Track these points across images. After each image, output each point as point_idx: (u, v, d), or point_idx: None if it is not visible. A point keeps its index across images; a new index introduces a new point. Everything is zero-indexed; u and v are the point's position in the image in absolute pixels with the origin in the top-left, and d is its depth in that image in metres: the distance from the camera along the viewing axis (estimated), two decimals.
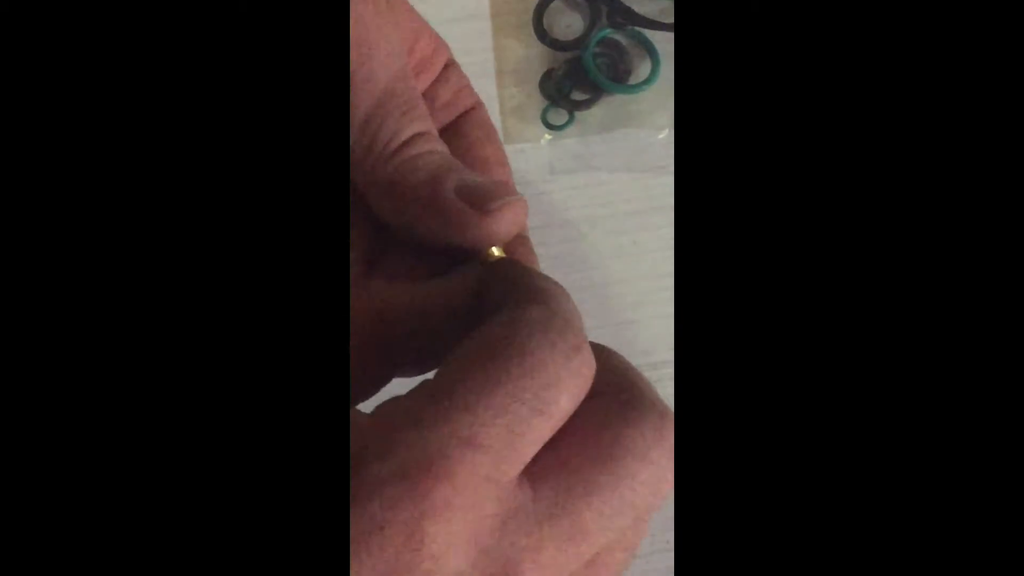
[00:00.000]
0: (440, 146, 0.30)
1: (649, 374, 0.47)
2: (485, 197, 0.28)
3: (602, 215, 0.48)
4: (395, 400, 0.23)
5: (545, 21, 0.49)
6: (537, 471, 0.23)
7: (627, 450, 0.24)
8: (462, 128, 0.34)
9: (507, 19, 0.50)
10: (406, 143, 0.29)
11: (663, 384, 0.47)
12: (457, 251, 0.29)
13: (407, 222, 0.29)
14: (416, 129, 0.30)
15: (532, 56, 0.50)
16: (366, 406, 0.25)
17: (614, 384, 0.25)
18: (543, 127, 0.49)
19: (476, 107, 0.35)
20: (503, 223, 0.28)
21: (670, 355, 0.48)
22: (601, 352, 0.26)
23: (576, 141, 0.49)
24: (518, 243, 0.32)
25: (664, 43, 0.49)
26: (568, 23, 0.50)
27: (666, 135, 0.49)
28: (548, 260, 0.47)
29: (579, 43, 0.49)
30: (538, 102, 0.49)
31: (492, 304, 0.26)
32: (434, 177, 0.29)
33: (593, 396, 0.24)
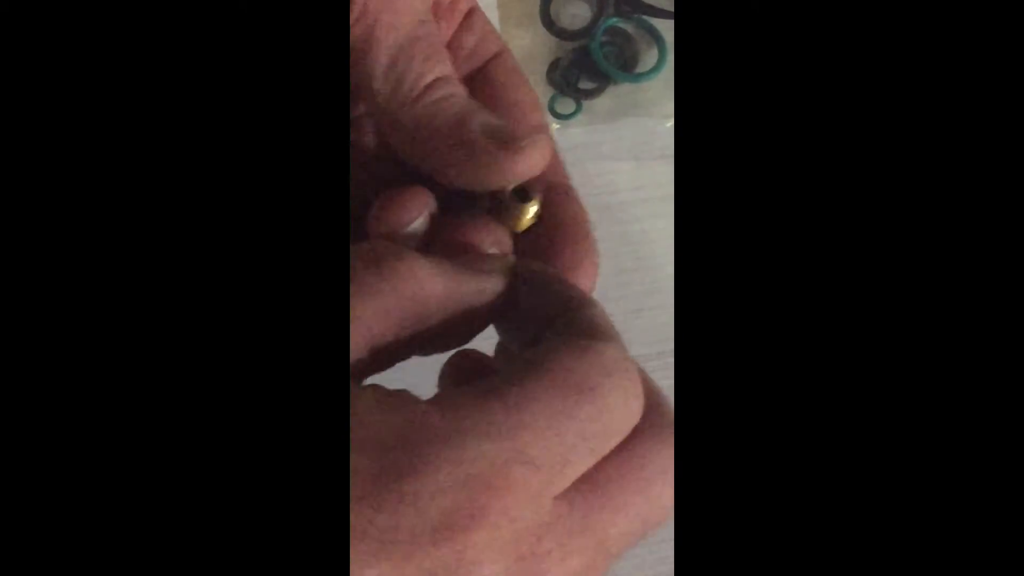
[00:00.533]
0: (463, 90, 0.31)
1: (658, 363, 0.47)
2: (511, 135, 0.29)
3: (610, 204, 0.48)
4: (458, 393, 0.24)
5: (552, 10, 0.49)
6: (571, 487, 0.24)
7: (656, 475, 0.25)
8: (490, 74, 0.34)
9: (514, 8, 0.50)
10: (429, 86, 0.29)
11: (663, 375, 0.47)
12: (483, 196, 0.30)
13: (434, 165, 0.29)
14: (439, 73, 0.30)
15: (539, 45, 0.50)
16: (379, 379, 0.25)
17: (645, 408, 0.26)
18: (550, 116, 0.49)
19: (502, 52, 0.35)
20: (529, 160, 0.29)
21: (670, 345, 0.48)
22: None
23: (583, 130, 0.49)
24: (562, 196, 0.32)
25: (670, 31, 0.49)
26: (575, 12, 0.50)
27: (673, 123, 0.49)
28: None
29: (586, 32, 0.49)
30: (545, 91, 0.49)
31: (535, 309, 0.27)
32: (459, 118, 0.29)
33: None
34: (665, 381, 0.45)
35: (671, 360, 0.47)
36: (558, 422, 0.23)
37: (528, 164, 0.29)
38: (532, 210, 0.30)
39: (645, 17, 0.49)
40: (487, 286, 0.28)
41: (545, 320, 0.27)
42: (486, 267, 0.28)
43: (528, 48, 0.49)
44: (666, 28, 0.49)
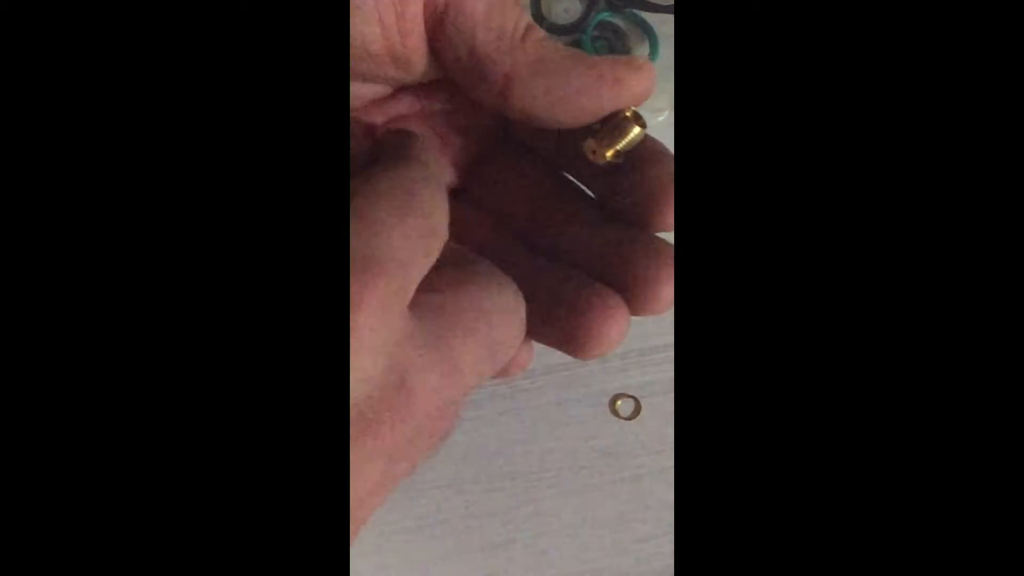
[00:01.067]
0: None
1: (648, 358, 0.47)
2: (625, 60, 0.31)
3: None
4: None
5: (543, 4, 0.49)
6: (415, 308, 0.25)
7: (492, 304, 0.27)
8: None
9: None
10: (529, 27, 0.31)
11: (663, 368, 0.47)
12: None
13: (560, 96, 0.30)
14: (528, 19, 0.31)
15: None
16: None
17: (460, 259, 0.29)
18: None
19: None
20: (651, 76, 0.31)
21: (670, 338, 0.48)
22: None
23: None
24: (649, 144, 0.33)
25: (662, 25, 0.49)
26: (566, 6, 0.50)
27: (665, 117, 0.49)
28: None
29: (577, 26, 0.49)
30: None
31: None
32: (571, 51, 0.31)
33: (442, 265, 0.27)
34: (661, 375, 0.45)
35: (663, 355, 0.47)
36: (383, 224, 0.24)
37: (649, 81, 0.31)
38: (641, 131, 0.31)
39: (636, 11, 0.49)
40: None
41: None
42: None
43: None
44: (657, 22, 0.49)
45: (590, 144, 0.30)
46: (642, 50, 0.49)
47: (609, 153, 0.30)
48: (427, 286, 0.26)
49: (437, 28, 0.30)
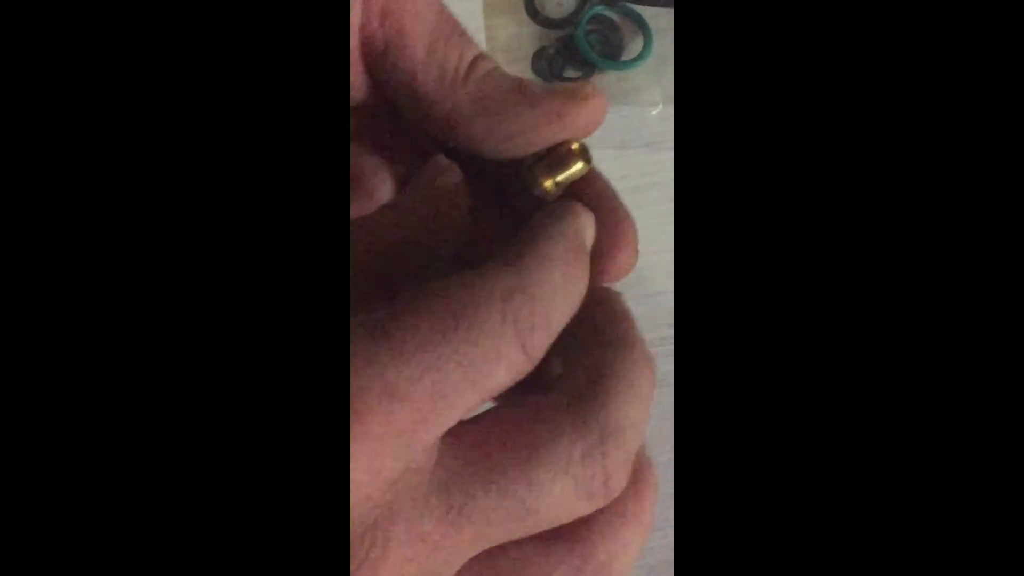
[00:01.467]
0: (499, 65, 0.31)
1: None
2: (571, 91, 0.29)
3: None
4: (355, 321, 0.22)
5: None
6: (451, 440, 0.22)
7: (549, 458, 0.23)
8: None
9: None
10: (473, 64, 0.29)
11: (660, 360, 0.47)
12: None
13: (498, 136, 0.29)
14: (476, 51, 0.30)
15: (524, 34, 0.49)
16: None
17: (575, 388, 0.24)
18: None
19: None
20: (596, 109, 0.29)
21: (667, 331, 0.48)
22: (589, 346, 0.26)
23: None
24: (592, 180, 0.31)
25: (656, 19, 0.49)
26: (559, 1, 0.50)
27: (659, 111, 0.49)
28: None
29: (571, 21, 0.49)
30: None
31: None
32: (515, 84, 0.29)
33: (550, 389, 0.24)
34: (660, 368, 0.45)
35: (659, 348, 0.47)
36: (424, 349, 0.21)
37: (598, 112, 0.29)
38: (584, 167, 0.30)
39: (630, 4, 0.49)
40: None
41: None
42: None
43: (513, 37, 0.49)
44: (651, 16, 0.49)
45: (531, 171, 0.29)
46: (636, 44, 0.49)
47: (548, 183, 0.29)
48: (486, 417, 0.23)
49: (377, 65, 0.29)
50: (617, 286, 0.46)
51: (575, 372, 0.25)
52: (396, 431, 0.21)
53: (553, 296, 0.24)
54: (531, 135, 0.29)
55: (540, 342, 0.23)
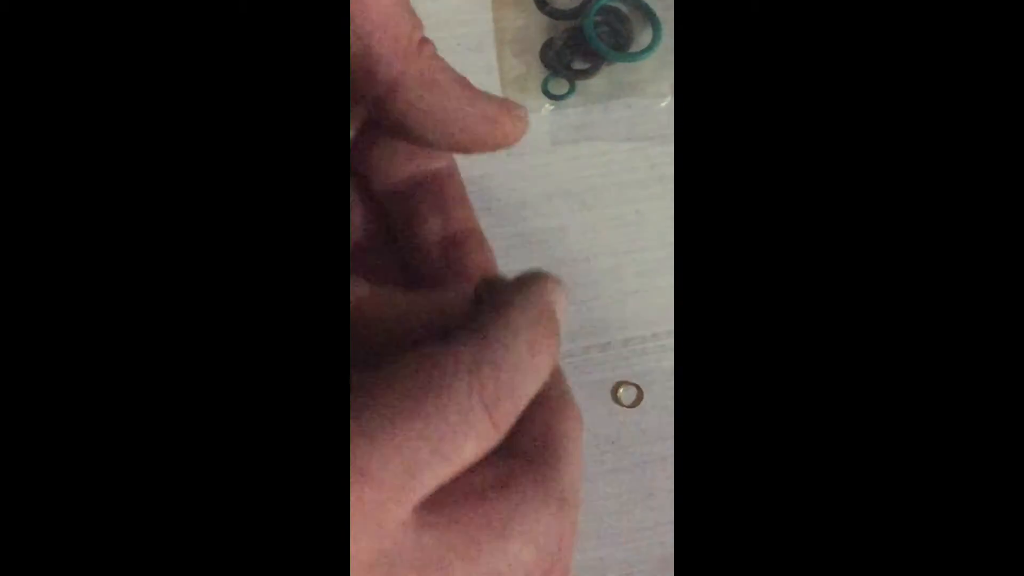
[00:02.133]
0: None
1: (652, 345, 0.47)
2: (508, 104, 0.32)
3: (605, 185, 0.48)
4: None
5: None
6: (424, 517, 0.23)
7: (519, 528, 0.24)
8: None
9: None
10: (424, 42, 0.31)
11: (665, 356, 0.47)
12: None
13: (441, 117, 0.31)
14: (422, 33, 0.31)
15: (532, 26, 0.49)
16: None
17: (531, 452, 0.25)
18: (544, 97, 0.49)
19: None
20: (524, 127, 0.32)
21: (672, 326, 0.47)
22: (535, 410, 0.26)
23: (578, 111, 0.49)
24: (469, 236, 0.33)
25: (665, 10, 0.49)
26: None
27: (668, 103, 0.49)
28: (550, 232, 0.47)
29: (579, 11, 0.49)
30: (539, 72, 0.49)
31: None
32: (464, 79, 0.31)
33: (508, 451, 0.25)
34: (664, 363, 0.45)
35: (666, 342, 0.47)
36: (393, 429, 0.22)
37: (520, 131, 0.31)
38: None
39: None
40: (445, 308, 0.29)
41: None
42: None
43: (521, 28, 0.49)
44: (661, 7, 0.49)
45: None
46: (645, 35, 0.49)
47: None
48: (460, 486, 0.24)
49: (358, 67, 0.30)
50: (629, 280, 0.45)
51: (527, 432, 0.26)
52: (367, 513, 0.21)
53: (518, 366, 0.25)
54: (461, 129, 0.31)
55: (507, 413, 0.24)
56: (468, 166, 0.47)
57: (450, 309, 0.28)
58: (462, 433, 0.23)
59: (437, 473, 0.23)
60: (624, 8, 0.49)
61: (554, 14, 0.49)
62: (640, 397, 0.47)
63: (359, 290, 0.28)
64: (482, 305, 0.28)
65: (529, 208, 0.47)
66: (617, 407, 0.47)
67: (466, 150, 0.31)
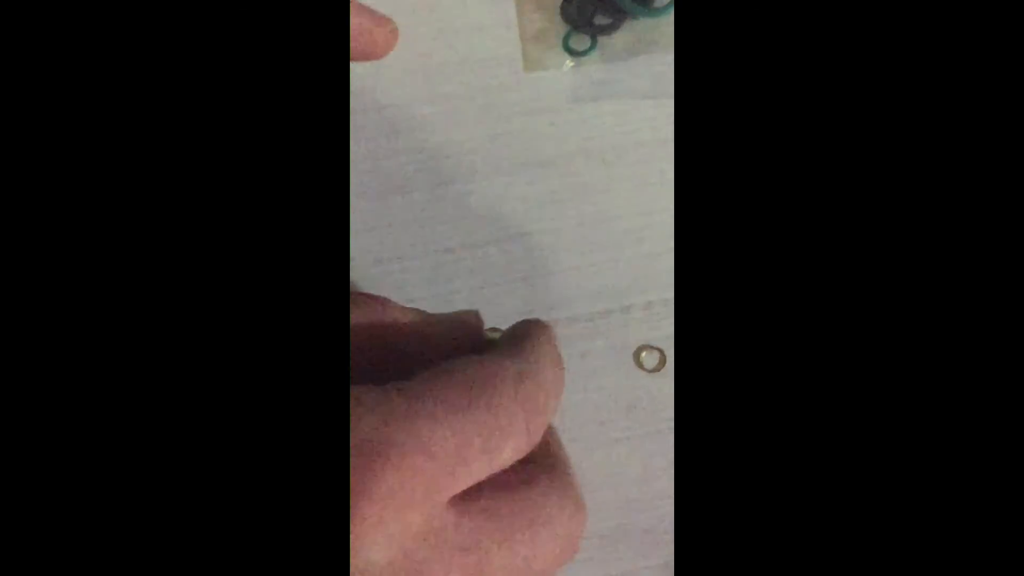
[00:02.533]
0: None
1: (672, 308, 0.46)
2: (380, 18, 0.38)
3: (627, 144, 0.47)
4: (367, 385, 0.25)
5: None
6: (463, 505, 0.25)
7: (545, 522, 0.27)
8: None
9: None
10: None
11: (660, 323, 0.46)
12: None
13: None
14: None
15: None
16: None
17: (547, 461, 0.29)
18: (565, 53, 0.47)
19: None
20: (394, 40, 0.39)
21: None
22: (548, 432, 0.30)
23: (599, 67, 0.48)
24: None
25: None
26: None
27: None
28: (571, 191, 0.46)
29: None
30: (559, 28, 0.48)
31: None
32: None
33: (528, 461, 0.28)
34: (668, 329, 0.44)
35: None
36: (453, 414, 0.24)
37: (392, 43, 0.38)
38: None
39: None
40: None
41: None
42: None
43: None
44: None
45: None
46: None
47: None
48: (491, 483, 0.26)
49: None
50: (650, 244, 0.44)
51: (541, 446, 0.29)
52: (424, 485, 0.24)
53: (550, 388, 0.28)
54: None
55: (540, 426, 0.27)
56: (487, 124, 0.46)
57: (469, 337, 0.31)
58: (507, 434, 0.26)
59: (482, 465, 0.25)
60: None
61: None
62: (663, 362, 0.46)
63: (404, 314, 0.30)
64: (500, 338, 0.31)
65: (549, 167, 0.46)
66: (639, 372, 0.46)
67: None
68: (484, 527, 0.25)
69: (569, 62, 0.48)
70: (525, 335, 0.30)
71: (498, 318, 0.44)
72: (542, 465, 0.28)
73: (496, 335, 0.33)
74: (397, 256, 0.45)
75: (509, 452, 0.26)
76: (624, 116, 0.47)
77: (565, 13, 0.48)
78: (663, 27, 0.48)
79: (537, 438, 0.27)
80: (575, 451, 0.46)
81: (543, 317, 0.45)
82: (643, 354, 0.46)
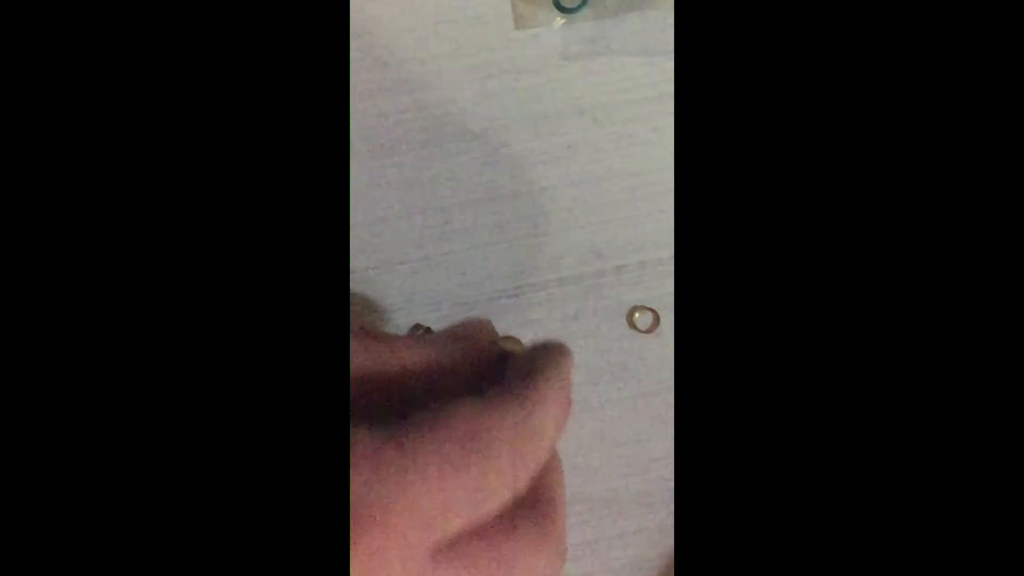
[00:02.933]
0: None
1: (669, 268, 0.45)
2: None
3: (619, 101, 0.46)
4: (363, 429, 0.25)
5: None
6: (442, 555, 0.25)
7: (523, 569, 0.27)
8: None
9: None
10: None
11: (662, 281, 0.46)
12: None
13: None
14: None
15: None
16: None
17: (531, 502, 0.28)
18: (555, 10, 0.47)
19: None
20: None
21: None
22: (545, 472, 0.29)
23: (590, 24, 0.47)
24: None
25: None
26: None
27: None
28: (563, 149, 0.45)
29: None
30: None
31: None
32: None
33: (519, 507, 0.27)
34: (662, 288, 0.43)
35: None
36: (444, 473, 0.24)
37: None
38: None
39: None
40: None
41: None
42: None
43: None
44: None
45: None
46: None
47: None
48: (472, 531, 0.26)
49: None
50: (647, 200, 0.44)
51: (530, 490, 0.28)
52: (408, 540, 0.24)
53: (546, 441, 0.28)
54: None
55: (530, 479, 0.27)
56: (477, 83, 0.45)
57: (477, 361, 0.31)
58: (495, 493, 0.26)
59: (467, 520, 0.25)
60: None
61: None
62: (656, 322, 0.45)
63: (411, 352, 0.30)
64: (507, 362, 0.30)
65: (540, 125, 0.46)
66: (633, 332, 0.45)
67: None
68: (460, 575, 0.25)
69: (560, 19, 0.47)
70: (537, 370, 0.29)
71: (491, 279, 0.44)
72: (527, 506, 0.28)
73: (515, 347, 0.32)
74: (388, 217, 0.45)
75: (495, 506, 0.26)
76: (615, 74, 0.47)
77: None
78: None
79: (525, 489, 0.27)
80: None
81: (535, 279, 0.44)
82: (636, 315, 0.45)
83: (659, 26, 0.47)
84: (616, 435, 0.45)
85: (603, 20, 0.47)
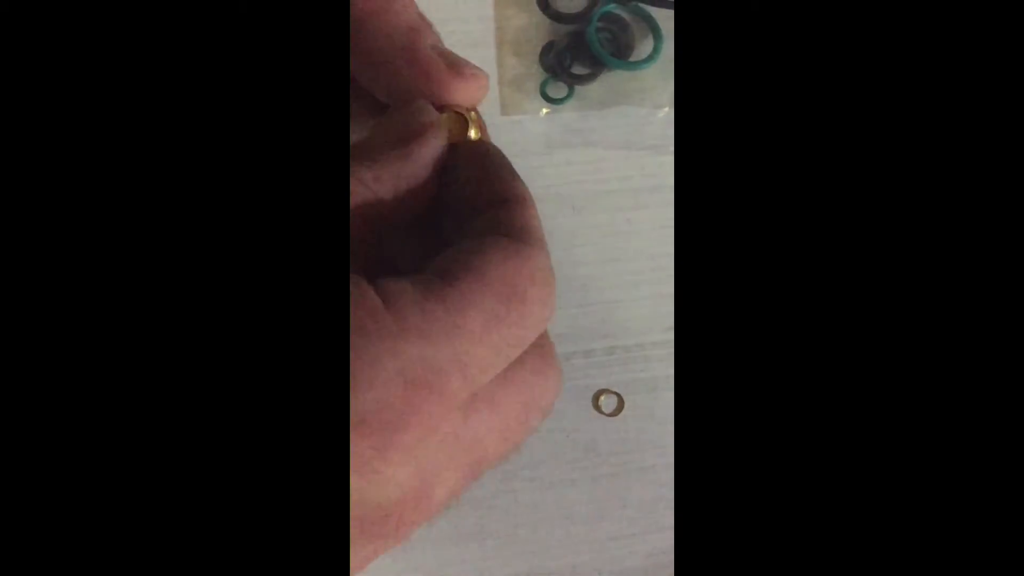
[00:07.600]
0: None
1: (636, 355, 0.47)
2: (458, 62, 0.30)
3: (597, 192, 0.48)
4: (402, 291, 0.24)
5: None
6: (468, 403, 0.24)
7: (535, 397, 0.26)
8: None
9: None
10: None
11: (648, 366, 0.47)
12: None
13: (385, 75, 0.30)
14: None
15: (533, 27, 0.49)
16: None
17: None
18: (541, 100, 0.49)
19: None
20: (478, 86, 0.30)
21: (662, 336, 0.47)
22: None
23: (575, 116, 0.49)
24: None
25: (667, 21, 0.49)
26: None
27: (666, 113, 0.49)
28: None
29: (582, 16, 0.49)
30: (537, 74, 0.49)
31: (471, 193, 0.28)
32: (411, 31, 0.30)
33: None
34: (647, 373, 0.44)
35: (654, 352, 0.47)
36: (491, 328, 0.24)
37: (476, 90, 0.30)
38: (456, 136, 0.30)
39: (642, 5, 0.49)
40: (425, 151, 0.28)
41: (478, 207, 0.28)
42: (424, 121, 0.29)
43: (522, 29, 0.49)
44: (663, 18, 0.49)
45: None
46: (646, 45, 0.49)
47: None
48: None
49: None
50: (617, 288, 0.45)
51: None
52: (458, 401, 0.23)
53: (552, 278, 0.27)
54: (411, 90, 0.30)
55: (550, 315, 0.26)
56: None
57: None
58: (531, 339, 0.25)
59: (502, 367, 0.25)
60: (627, 16, 0.49)
61: (557, 17, 0.49)
62: (621, 406, 0.46)
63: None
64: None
65: None
66: (597, 415, 0.47)
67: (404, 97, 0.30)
68: (486, 422, 0.25)
69: (545, 108, 0.49)
70: (513, 199, 0.29)
71: None
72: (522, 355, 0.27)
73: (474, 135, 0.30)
74: None
75: (518, 353, 0.25)
76: (596, 164, 0.48)
77: (544, 61, 0.49)
78: (639, 80, 0.49)
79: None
80: (531, 490, 0.46)
81: None
82: (602, 397, 0.46)
83: (640, 122, 0.49)
84: (576, 513, 0.46)
85: (587, 112, 0.49)
